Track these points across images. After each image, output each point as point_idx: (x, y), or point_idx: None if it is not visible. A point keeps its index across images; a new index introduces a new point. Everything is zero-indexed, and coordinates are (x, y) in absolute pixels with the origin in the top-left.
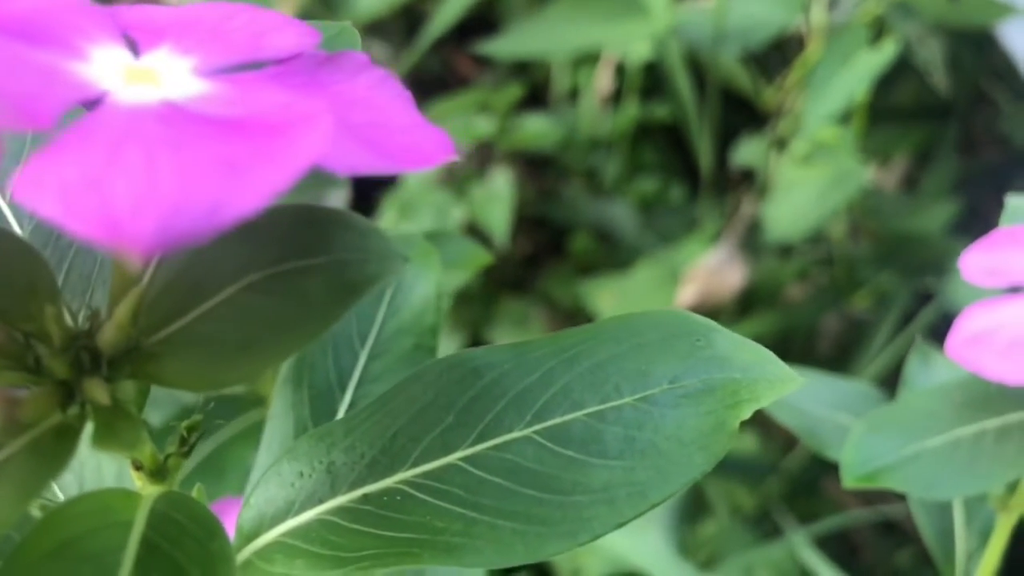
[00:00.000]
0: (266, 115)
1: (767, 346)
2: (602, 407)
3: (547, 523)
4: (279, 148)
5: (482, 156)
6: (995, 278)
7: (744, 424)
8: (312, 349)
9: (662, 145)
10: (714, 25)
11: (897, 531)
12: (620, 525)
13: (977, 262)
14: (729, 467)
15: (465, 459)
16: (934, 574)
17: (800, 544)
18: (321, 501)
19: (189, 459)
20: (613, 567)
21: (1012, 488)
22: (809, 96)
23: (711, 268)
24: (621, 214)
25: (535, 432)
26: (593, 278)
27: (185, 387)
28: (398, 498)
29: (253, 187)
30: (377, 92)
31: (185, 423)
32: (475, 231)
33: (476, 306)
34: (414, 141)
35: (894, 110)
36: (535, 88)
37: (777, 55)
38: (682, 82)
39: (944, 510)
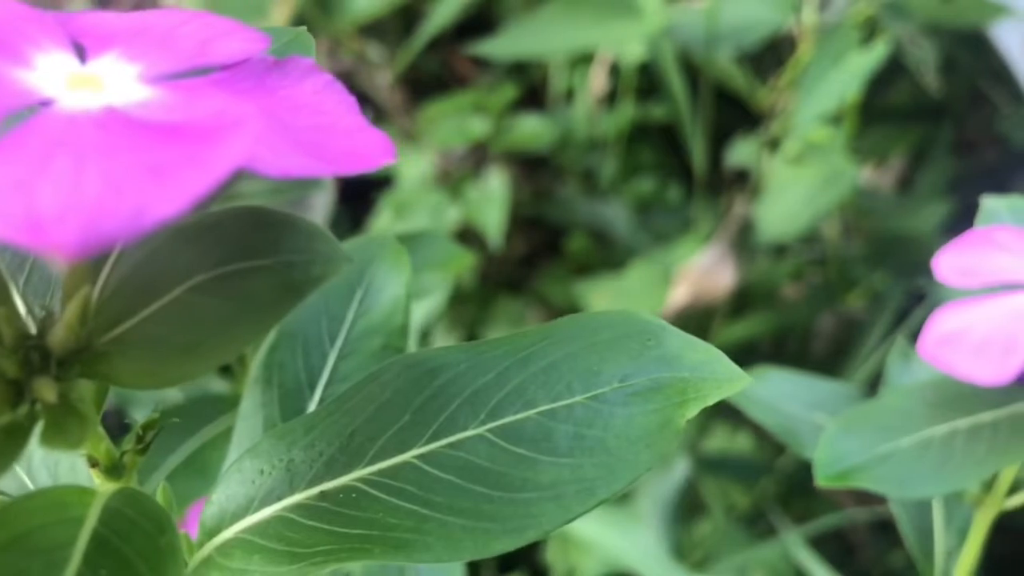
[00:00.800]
0: (201, 120)
1: (763, 346)
2: (554, 405)
3: (496, 520)
4: (203, 153)
5: (477, 157)
6: (968, 278)
7: (739, 424)
8: (282, 349)
9: (659, 145)
10: (707, 26)
11: (893, 531)
12: (568, 521)
13: (950, 263)
14: (724, 467)
15: (419, 457)
16: None
17: (794, 544)
18: (280, 498)
19: (172, 458)
20: (607, 567)
21: (988, 486)
22: (800, 96)
23: (703, 268)
24: (616, 214)
25: (488, 430)
26: (588, 278)
27: (134, 386)
28: (354, 495)
29: (175, 192)
30: (322, 97)
31: (141, 422)
32: (470, 231)
33: (472, 306)
34: (355, 144)
35: (890, 110)
36: (533, 89)
37: (772, 55)
38: (676, 82)
39: (924, 509)
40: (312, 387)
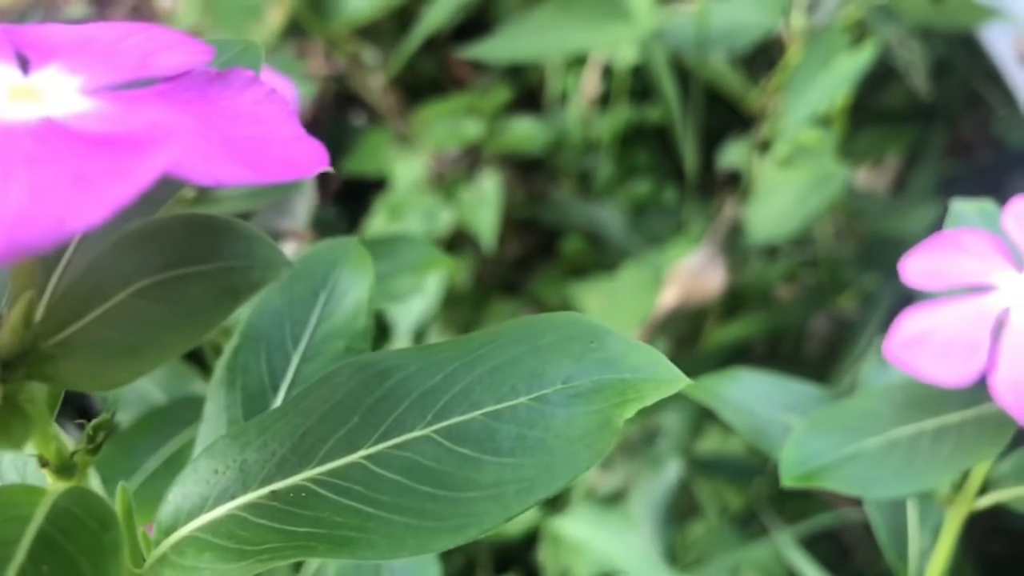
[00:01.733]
0: (133, 131)
1: (757, 347)
2: (498, 407)
3: (439, 518)
4: (127, 163)
5: (471, 159)
6: (933, 281)
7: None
8: (246, 352)
9: (655, 147)
10: (697, 29)
11: None
12: (508, 519)
13: (916, 265)
14: (717, 468)
15: (367, 457)
16: None
17: (786, 544)
18: (233, 497)
19: (152, 459)
20: (599, 568)
21: (958, 486)
22: (789, 99)
23: (692, 270)
24: (610, 216)
25: (434, 431)
26: (582, 280)
27: (78, 387)
28: (303, 495)
29: (96, 201)
30: (262, 107)
31: (92, 422)
32: (464, 234)
33: (467, 308)
34: (291, 153)
35: (885, 112)
36: (530, 91)
37: (765, 58)
38: (667, 85)
39: (898, 510)
40: (275, 389)
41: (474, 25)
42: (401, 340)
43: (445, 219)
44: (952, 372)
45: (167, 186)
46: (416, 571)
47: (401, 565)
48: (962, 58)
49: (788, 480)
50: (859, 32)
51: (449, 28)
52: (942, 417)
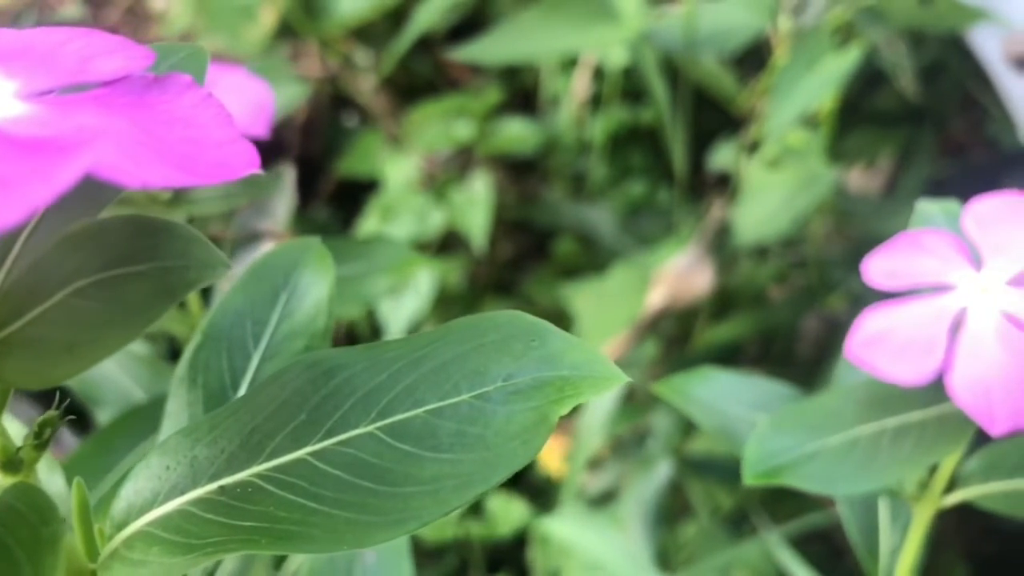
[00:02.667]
0: (62, 134)
1: (749, 348)
2: (440, 404)
3: (378, 513)
4: (51, 165)
5: (464, 160)
6: (894, 280)
7: None
8: (207, 350)
9: (649, 149)
10: (685, 31)
11: None
12: (445, 514)
13: (879, 265)
14: (709, 469)
15: (312, 454)
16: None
17: (775, 544)
18: (183, 492)
19: (130, 457)
20: (589, 570)
21: (925, 484)
22: (774, 100)
23: (679, 271)
24: (601, 218)
25: (378, 428)
26: (573, 281)
27: (18, 384)
28: (249, 490)
29: (16, 202)
30: (198, 111)
31: (39, 419)
32: (457, 235)
33: (460, 308)
34: (223, 156)
35: (877, 113)
36: (525, 93)
37: (758, 60)
38: (657, 87)
39: (869, 508)
40: (236, 388)
41: (469, 26)
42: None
43: (436, 220)
44: (910, 371)
45: (110, 189)
46: (388, 568)
47: (374, 562)
48: (956, 60)
49: (750, 478)
50: (847, 34)
51: (444, 29)
52: (904, 416)
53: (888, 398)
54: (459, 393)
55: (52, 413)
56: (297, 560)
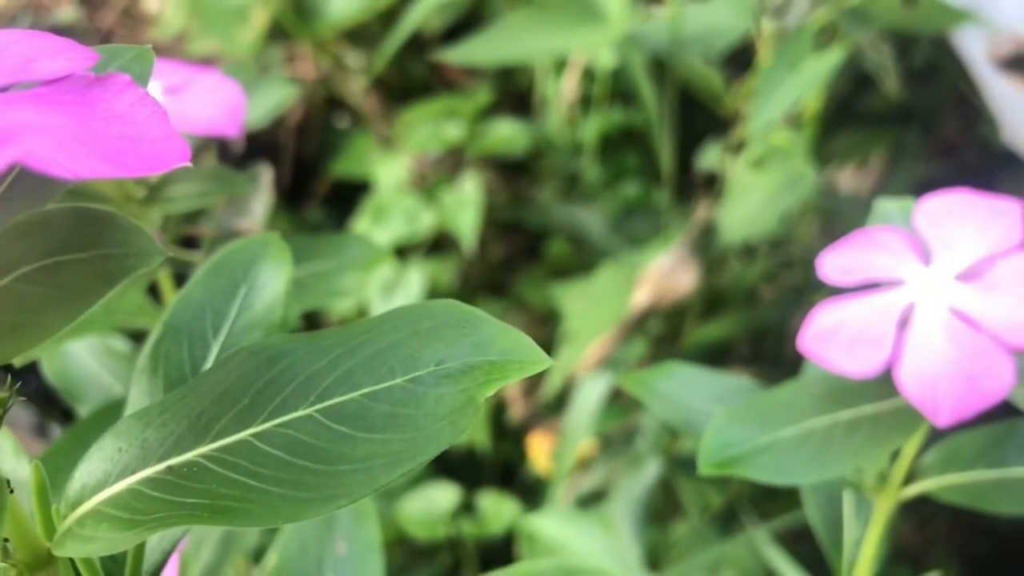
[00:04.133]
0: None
1: (741, 348)
2: (376, 388)
3: (312, 489)
4: None
5: (455, 161)
6: (848, 276)
7: None
8: (168, 341)
9: (644, 151)
10: (670, 33)
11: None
12: (375, 490)
13: (833, 262)
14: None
15: (254, 435)
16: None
17: (762, 541)
18: (133, 472)
19: None
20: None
21: (885, 477)
22: (757, 101)
23: (663, 270)
24: (592, 219)
25: (316, 411)
26: (564, 281)
27: None
28: (195, 469)
29: None
30: (135, 109)
31: None
32: (450, 236)
33: None
34: (156, 151)
35: (870, 114)
36: (520, 95)
37: (747, 61)
38: (644, 88)
39: (834, 501)
40: (195, 377)
41: (464, 28)
42: None
43: (427, 221)
44: (859, 364)
45: (56, 182)
46: (360, 560)
47: (345, 554)
48: (948, 61)
49: (705, 468)
50: (832, 35)
51: (439, 31)
52: (858, 408)
53: (843, 391)
54: (393, 377)
55: (3, 395)
56: (273, 554)
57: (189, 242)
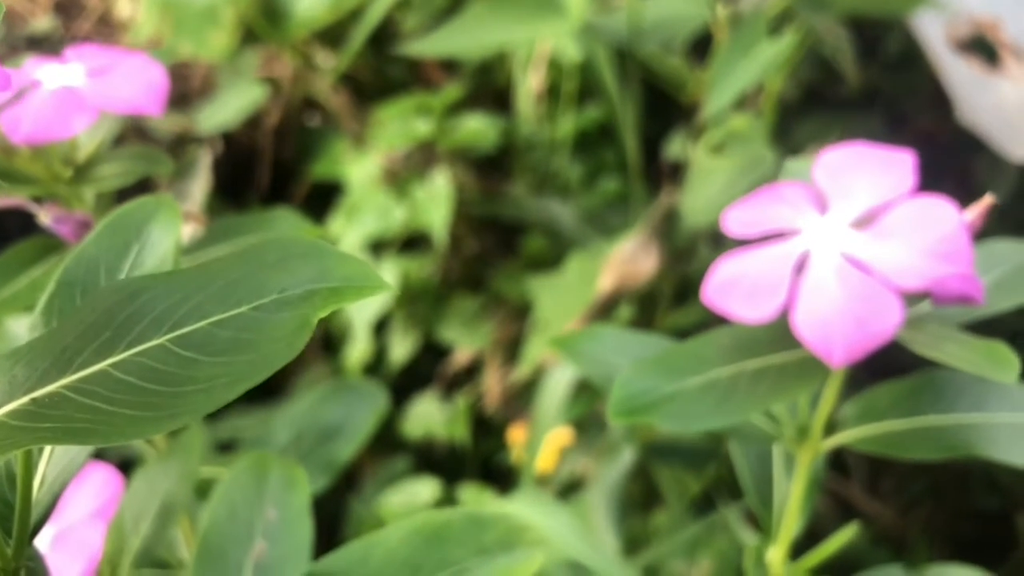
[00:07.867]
0: None
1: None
2: (223, 316)
3: (157, 409)
4: None
5: (426, 157)
6: (749, 228)
7: None
8: (62, 296)
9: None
10: (629, 22)
11: (855, 513)
12: (215, 407)
13: (737, 216)
14: (674, 454)
15: (112, 365)
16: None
17: (740, 527)
18: (1, 406)
19: None
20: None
21: (805, 430)
22: (712, 86)
23: (625, 256)
24: (564, 212)
25: (168, 340)
26: (538, 274)
27: None
28: (56, 399)
29: None
30: None
31: None
32: (423, 233)
33: (429, 303)
34: None
35: (840, 100)
36: (497, 91)
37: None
38: (608, 78)
39: (764, 459)
40: None
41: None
42: (360, 334)
43: (398, 216)
44: (756, 310)
45: None
46: (290, 525)
47: (275, 519)
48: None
49: (614, 417)
50: (789, 21)
51: (417, 30)
52: (765, 358)
53: (750, 342)
54: (240, 306)
55: None
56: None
57: None
